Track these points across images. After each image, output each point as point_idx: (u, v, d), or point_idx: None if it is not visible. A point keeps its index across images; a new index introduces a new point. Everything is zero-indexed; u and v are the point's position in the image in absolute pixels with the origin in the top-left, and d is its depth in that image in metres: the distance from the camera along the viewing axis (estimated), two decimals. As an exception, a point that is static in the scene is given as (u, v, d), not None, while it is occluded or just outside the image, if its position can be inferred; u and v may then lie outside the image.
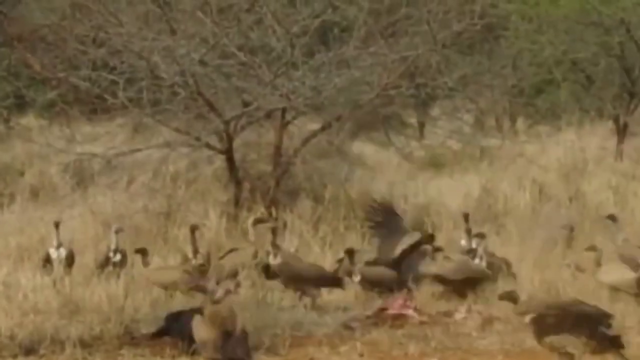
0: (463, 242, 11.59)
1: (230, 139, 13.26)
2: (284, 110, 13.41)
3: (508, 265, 11.01)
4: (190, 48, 12.80)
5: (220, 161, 13.73)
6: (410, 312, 9.97)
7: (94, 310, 9.68)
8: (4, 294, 9.91)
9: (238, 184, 13.38)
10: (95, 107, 14.34)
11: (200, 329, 8.18)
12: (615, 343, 8.01)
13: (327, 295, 10.56)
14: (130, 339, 9.27)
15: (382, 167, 17.34)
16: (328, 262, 11.32)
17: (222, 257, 10.90)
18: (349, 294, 10.62)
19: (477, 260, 10.85)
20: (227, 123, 13.10)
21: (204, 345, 8.12)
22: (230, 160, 13.41)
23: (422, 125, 21.05)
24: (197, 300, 9.59)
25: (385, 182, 14.67)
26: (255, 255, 10.76)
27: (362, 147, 16.90)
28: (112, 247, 11.01)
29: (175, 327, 8.89)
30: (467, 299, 10.32)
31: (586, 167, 16.53)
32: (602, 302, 9.26)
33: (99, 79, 13.25)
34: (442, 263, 10.59)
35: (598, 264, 10.39)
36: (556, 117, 21.08)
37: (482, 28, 14.14)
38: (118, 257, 10.95)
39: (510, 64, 16.93)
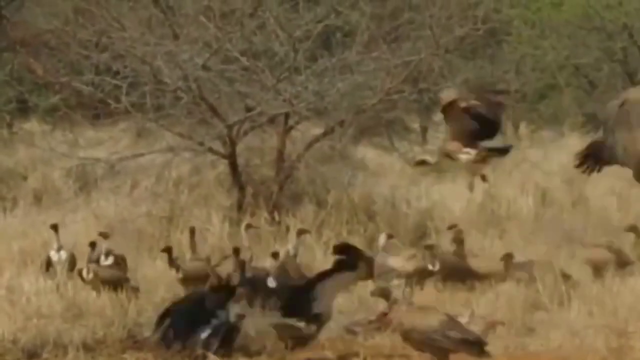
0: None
1: (233, 144, 13.26)
2: (286, 115, 13.40)
3: None
4: (193, 53, 12.82)
5: (223, 166, 13.72)
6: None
7: (97, 314, 9.70)
8: (7, 298, 9.92)
9: (241, 188, 13.37)
10: (98, 111, 14.39)
11: None
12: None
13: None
14: (133, 342, 9.27)
15: (385, 172, 17.34)
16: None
17: (216, 265, 10.88)
18: (352, 298, 10.61)
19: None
20: (230, 128, 13.10)
21: None
22: (233, 165, 13.40)
23: (424, 130, 21.06)
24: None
25: (388, 187, 14.65)
26: (250, 260, 10.76)
27: (365, 152, 16.92)
28: (103, 251, 10.88)
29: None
30: (471, 303, 10.32)
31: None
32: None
33: (102, 84, 13.26)
34: None
35: None
36: (559, 122, 21.08)
37: (485, 33, 14.16)
38: (110, 260, 10.85)
39: (513, 69, 16.96)
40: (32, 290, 10.06)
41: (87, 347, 9.06)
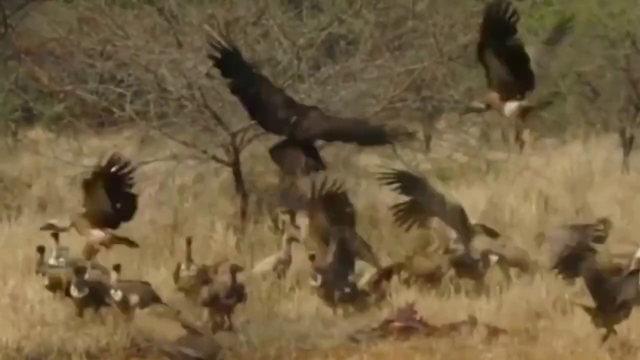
0: None
1: (236, 152, 13.29)
2: (290, 123, 13.41)
3: None
4: (197, 61, 12.84)
5: (227, 174, 13.75)
6: (416, 324, 9.97)
7: (101, 322, 9.71)
8: (11, 306, 9.95)
9: (245, 196, 13.40)
10: (103, 120, 14.41)
11: None
12: None
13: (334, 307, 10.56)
14: (136, 350, 9.29)
15: (389, 180, 17.28)
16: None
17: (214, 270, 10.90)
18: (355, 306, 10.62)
19: None
20: (233, 136, 13.13)
21: None
22: (237, 172, 13.43)
23: (428, 138, 21.04)
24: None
25: (391, 195, 14.65)
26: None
27: (368, 160, 16.87)
28: (53, 254, 10.75)
29: None
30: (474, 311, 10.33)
31: (592, 180, 16.52)
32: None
33: (106, 92, 13.31)
34: None
35: None
36: (562, 129, 21.06)
37: (489, 41, 14.13)
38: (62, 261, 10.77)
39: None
40: (36, 298, 10.09)
41: (90, 356, 9.10)
